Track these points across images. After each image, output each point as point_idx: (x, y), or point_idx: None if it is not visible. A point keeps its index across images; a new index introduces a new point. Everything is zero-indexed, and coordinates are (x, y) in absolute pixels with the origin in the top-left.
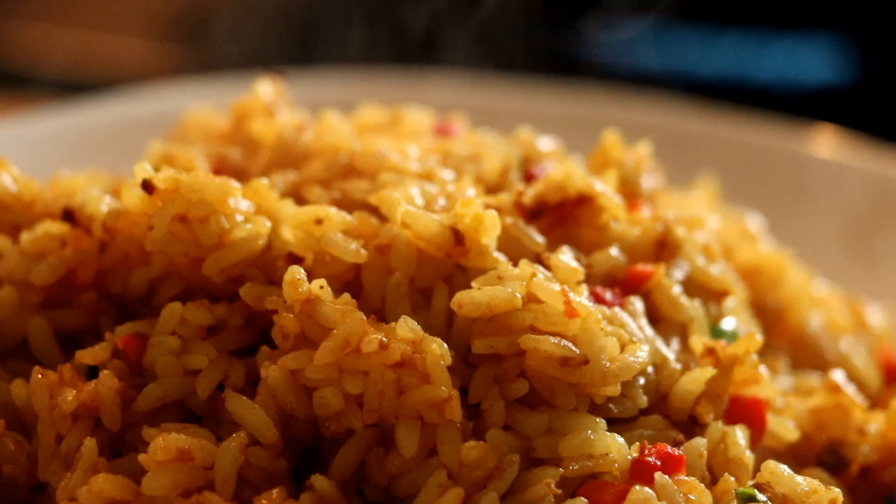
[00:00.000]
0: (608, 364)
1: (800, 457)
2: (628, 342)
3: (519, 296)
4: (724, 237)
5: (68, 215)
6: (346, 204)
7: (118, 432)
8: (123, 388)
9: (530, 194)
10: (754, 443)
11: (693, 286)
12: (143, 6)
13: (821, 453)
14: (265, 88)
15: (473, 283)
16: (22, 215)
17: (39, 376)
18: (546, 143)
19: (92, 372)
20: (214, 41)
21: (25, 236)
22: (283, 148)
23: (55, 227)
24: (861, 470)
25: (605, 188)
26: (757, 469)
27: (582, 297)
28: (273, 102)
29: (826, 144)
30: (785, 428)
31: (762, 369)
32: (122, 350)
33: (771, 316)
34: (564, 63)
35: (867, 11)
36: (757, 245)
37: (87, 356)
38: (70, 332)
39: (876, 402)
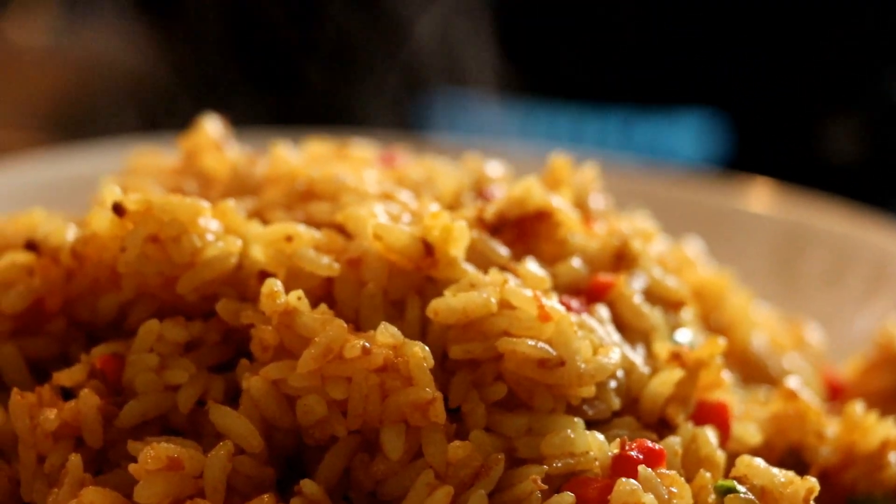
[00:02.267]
0: (583, 365)
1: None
2: (599, 346)
3: (494, 301)
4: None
5: (31, 247)
6: (310, 225)
7: (100, 450)
8: (104, 405)
9: (491, 210)
10: (720, 446)
11: (651, 297)
12: (17, 99)
13: (781, 457)
14: (213, 125)
15: (447, 292)
16: None
17: (19, 397)
18: (495, 168)
19: (68, 394)
20: (93, 130)
21: None
22: (238, 179)
23: (21, 257)
24: (821, 472)
25: (562, 203)
26: (727, 469)
27: (554, 302)
28: (221, 137)
29: (747, 195)
30: (748, 432)
31: (725, 374)
32: (101, 370)
33: (715, 335)
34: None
35: (737, 89)
36: (696, 269)
37: (64, 377)
38: (39, 361)
39: None
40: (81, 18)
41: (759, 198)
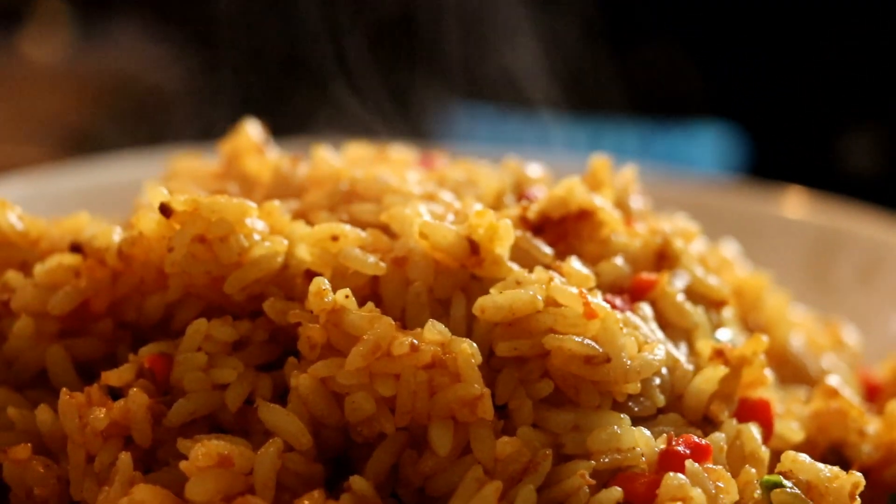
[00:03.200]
0: (629, 362)
1: None
2: (644, 343)
3: (540, 298)
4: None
5: (76, 249)
6: (354, 226)
7: (149, 449)
8: (153, 404)
9: (534, 210)
10: (763, 443)
11: (693, 295)
12: (33, 116)
13: (823, 454)
14: (254, 128)
15: (493, 289)
16: (29, 252)
17: (68, 397)
18: (535, 170)
19: (116, 395)
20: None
21: (39, 268)
22: (281, 181)
23: (68, 259)
24: (862, 470)
25: (604, 203)
26: (771, 465)
27: (599, 299)
28: (262, 141)
29: (780, 201)
30: (790, 429)
31: (767, 372)
32: (149, 369)
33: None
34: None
35: (755, 102)
36: (734, 270)
37: (112, 377)
38: (86, 361)
39: None
40: (96, 36)
41: (793, 204)
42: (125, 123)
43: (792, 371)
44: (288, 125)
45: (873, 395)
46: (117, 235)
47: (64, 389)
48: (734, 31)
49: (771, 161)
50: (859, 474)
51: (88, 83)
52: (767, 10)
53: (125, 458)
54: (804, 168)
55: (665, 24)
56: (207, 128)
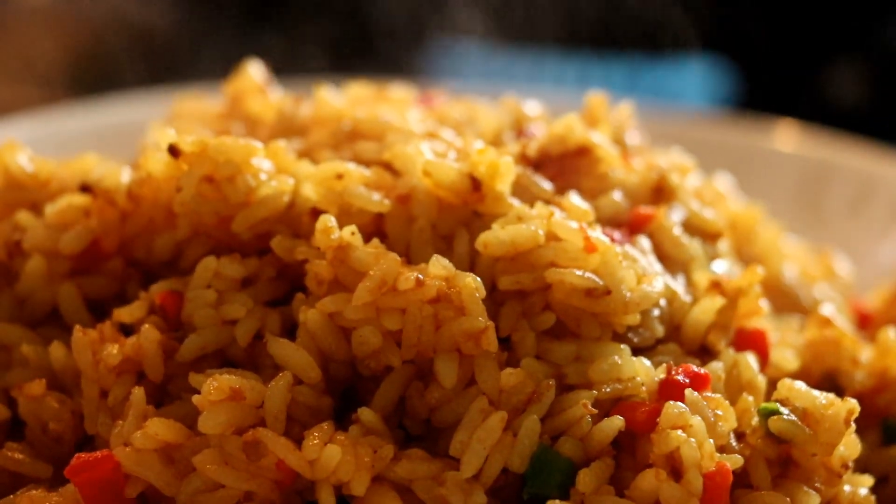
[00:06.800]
0: (628, 294)
1: None
2: (643, 275)
3: (541, 233)
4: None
5: (86, 189)
6: (357, 164)
7: (160, 384)
8: (165, 340)
9: (533, 147)
10: (759, 371)
11: (690, 228)
12: (30, 58)
13: (817, 382)
14: (256, 69)
15: (495, 225)
16: (39, 193)
17: (81, 334)
18: (532, 107)
19: (127, 332)
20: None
21: (49, 209)
22: (284, 121)
23: (78, 200)
24: (856, 396)
25: (602, 139)
26: (767, 393)
27: (598, 233)
28: (265, 81)
29: (771, 135)
30: (785, 358)
31: (762, 302)
32: (160, 306)
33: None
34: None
35: (743, 35)
36: (728, 203)
37: (124, 314)
38: (97, 299)
39: None
40: None
41: (783, 137)
42: (121, 64)
43: (785, 301)
44: (279, 63)
45: (864, 323)
46: (126, 176)
47: (77, 326)
48: None
49: (759, 93)
50: (854, 401)
51: (82, 25)
52: None
53: (139, 392)
54: (792, 100)
55: None
56: (203, 67)
